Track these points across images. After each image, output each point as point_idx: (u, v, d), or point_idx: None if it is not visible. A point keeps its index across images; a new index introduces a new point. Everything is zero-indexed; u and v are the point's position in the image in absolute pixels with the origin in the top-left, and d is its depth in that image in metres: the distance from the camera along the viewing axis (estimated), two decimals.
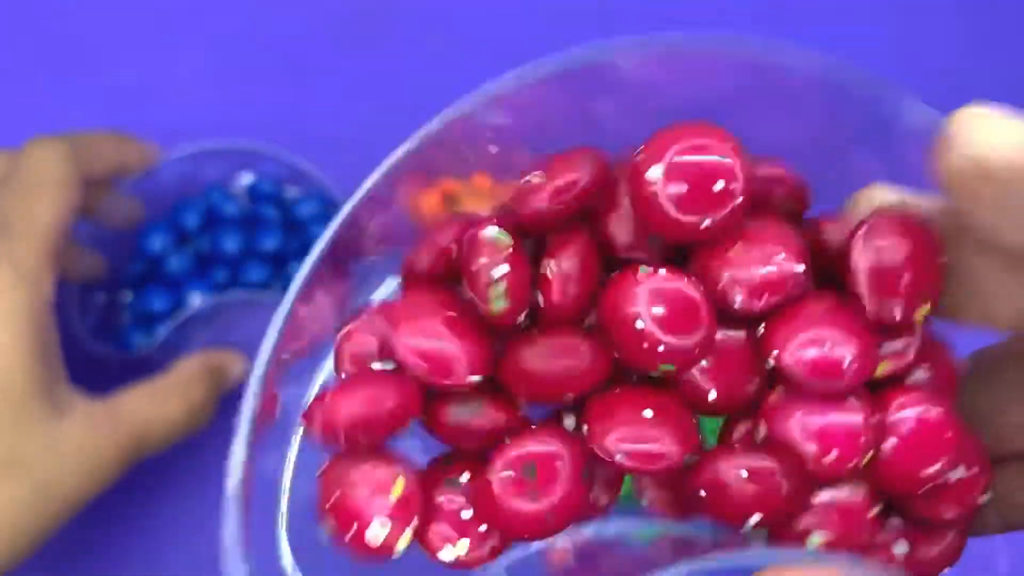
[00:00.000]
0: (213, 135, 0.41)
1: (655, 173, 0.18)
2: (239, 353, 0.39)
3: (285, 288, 0.39)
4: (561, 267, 0.19)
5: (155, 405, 0.35)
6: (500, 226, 0.19)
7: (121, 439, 0.33)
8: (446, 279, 0.20)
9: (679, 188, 0.17)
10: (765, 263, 0.18)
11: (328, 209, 0.41)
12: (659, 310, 0.18)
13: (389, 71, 0.46)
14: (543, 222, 0.19)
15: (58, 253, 0.33)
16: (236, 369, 0.38)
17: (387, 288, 0.23)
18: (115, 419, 0.33)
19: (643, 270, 0.18)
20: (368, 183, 0.21)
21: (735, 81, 0.21)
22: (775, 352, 0.18)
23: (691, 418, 0.19)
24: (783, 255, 0.18)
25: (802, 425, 0.18)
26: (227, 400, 0.38)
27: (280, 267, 0.41)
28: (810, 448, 0.18)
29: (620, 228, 0.19)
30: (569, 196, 0.19)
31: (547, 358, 0.19)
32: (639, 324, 0.18)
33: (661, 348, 0.18)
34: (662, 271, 0.18)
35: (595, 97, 0.23)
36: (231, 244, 0.40)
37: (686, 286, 0.18)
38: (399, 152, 0.21)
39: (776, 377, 0.19)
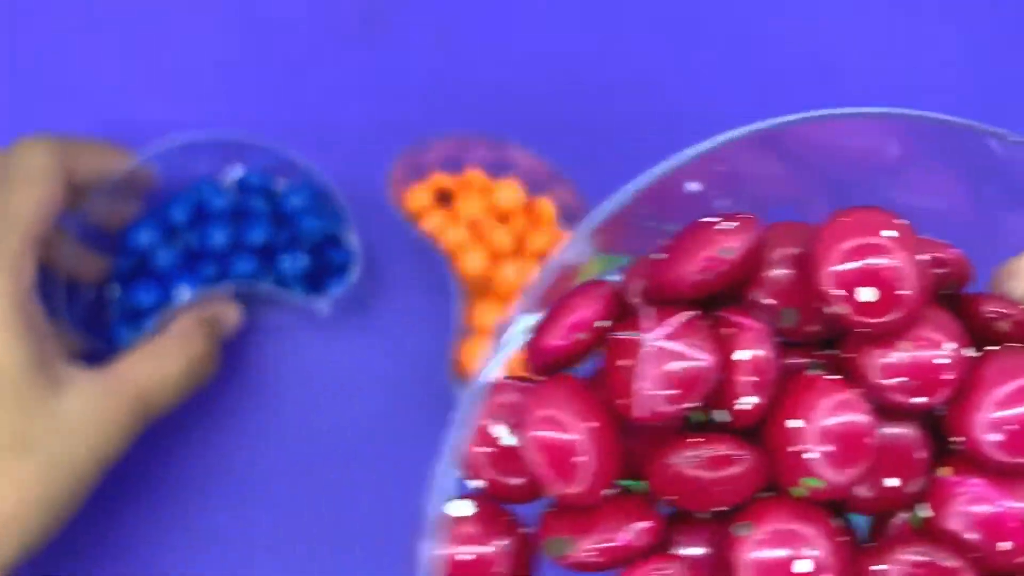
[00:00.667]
0: (203, 128, 0.41)
1: (836, 281, 0.17)
2: (231, 302, 0.39)
3: (276, 282, 0.40)
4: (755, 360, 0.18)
5: (156, 363, 0.35)
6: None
7: (126, 403, 0.33)
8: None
9: (867, 295, 0.17)
10: (935, 355, 0.18)
11: (318, 200, 0.41)
12: (829, 448, 0.17)
13: (383, 64, 0.46)
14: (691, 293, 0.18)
15: (39, 243, 0.33)
16: (231, 316, 0.39)
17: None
18: (117, 384, 0.33)
19: (813, 371, 0.18)
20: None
21: (892, 147, 0.21)
22: (963, 437, 0.18)
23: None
24: (954, 345, 0.18)
25: (975, 509, 0.18)
26: (227, 350, 0.38)
27: (268, 260, 0.40)
28: (978, 536, 0.18)
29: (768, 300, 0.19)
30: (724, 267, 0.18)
31: (709, 466, 0.18)
32: (806, 456, 0.17)
33: (823, 485, 0.17)
34: (835, 383, 0.18)
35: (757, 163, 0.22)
36: (220, 238, 0.39)
37: (861, 417, 0.17)
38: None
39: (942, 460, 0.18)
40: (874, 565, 0.17)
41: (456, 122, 0.43)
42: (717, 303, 0.19)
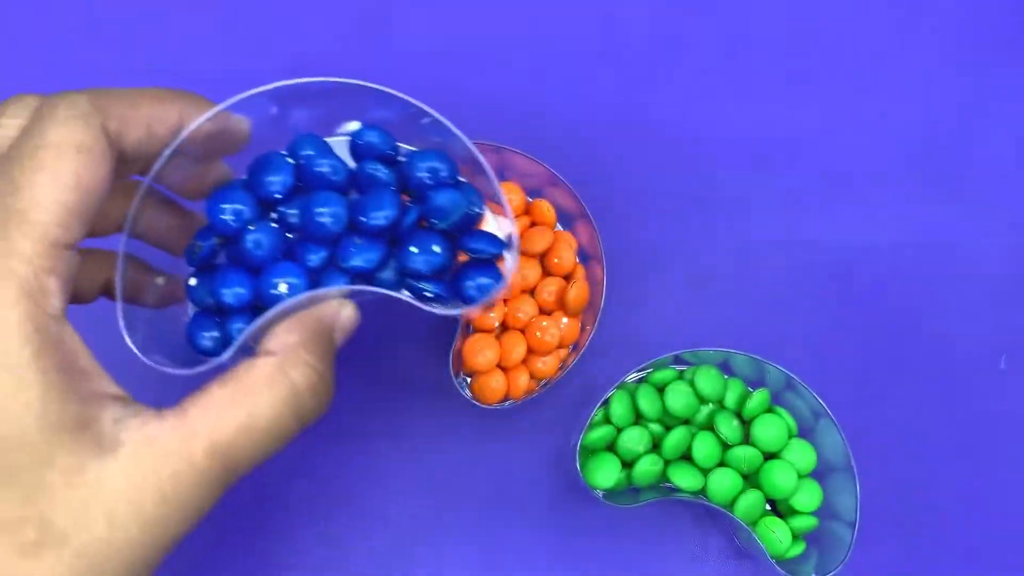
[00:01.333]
0: None
1: None
2: (346, 301, 0.29)
3: (401, 276, 0.30)
4: None
5: (244, 405, 0.25)
6: None
7: (200, 469, 0.24)
8: None
9: None
10: None
11: (453, 171, 0.31)
12: None
13: (382, 68, 0.46)
14: None
15: (74, 240, 0.24)
16: (347, 320, 0.28)
17: None
18: (187, 442, 0.24)
19: None
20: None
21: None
22: None
23: None
24: None
25: None
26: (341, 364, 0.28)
27: (392, 247, 0.30)
28: None
29: None
30: None
31: None
32: None
33: None
34: None
35: None
36: (331, 216, 0.29)
37: None
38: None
39: None
40: None
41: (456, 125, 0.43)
42: None
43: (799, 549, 0.39)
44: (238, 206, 0.29)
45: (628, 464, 0.40)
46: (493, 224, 0.32)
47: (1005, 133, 0.48)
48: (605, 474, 0.39)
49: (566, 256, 0.41)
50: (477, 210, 0.31)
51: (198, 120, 0.27)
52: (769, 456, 0.40)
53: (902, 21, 0.49)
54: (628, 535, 0.42)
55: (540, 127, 0.46)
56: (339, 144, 0.32)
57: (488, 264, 0.31)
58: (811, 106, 0.47)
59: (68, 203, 0.23)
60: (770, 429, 0.40)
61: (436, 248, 0.29)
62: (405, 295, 0.29)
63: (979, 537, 0.43)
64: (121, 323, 0.27)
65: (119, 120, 0.25)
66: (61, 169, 0.23)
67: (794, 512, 0.40)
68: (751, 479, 0.40)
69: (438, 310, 0.29)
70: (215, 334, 0.29)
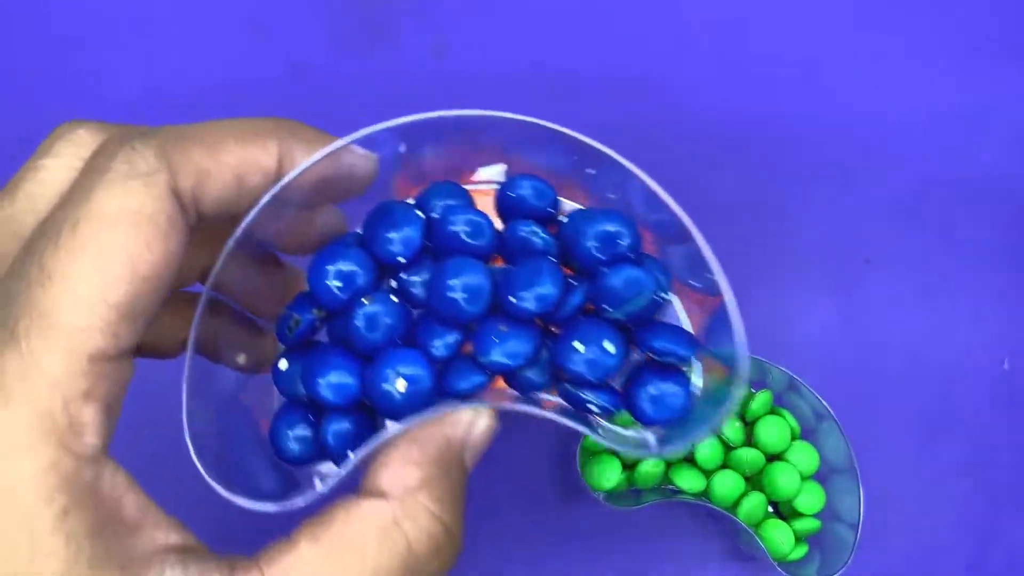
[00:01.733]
0: None
1: None
2: (482, 409, 0.22)
3: (569, 384, 0.22)
4: None
5: (342, 566, 0.19)
6: None
7: None
8: None
9: None
10: None
11: (635, 241, 0.23)
12: None
13: (382, 69, 0.46)
14: None
15: (123, 349, 0.18)
16: (482, 431, 0.22)
17: None
18: None
19: None
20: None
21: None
22: None
23: None
24: None
25: None
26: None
27: (543, 341, 0.22)
28: None
29: None
30: None
31: None
32: None
33: None
34: None
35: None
36: (468, 291, 0.21)
37: None
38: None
39: None
40: None
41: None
42: None
43: (802, 551, 0.39)
44: (349, 269, 0.22)
45: (630, 466, 0.39)
46: (681, 314, 0.24)
47: None
48: (606, 476, 0.39)
49: None
50: (664, 296, 0.22)
51: (304, 164, 0.21)
52: (772, 458, 0.40)
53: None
54: (630, 537, 0.42)
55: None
56: (482, 196, 0.25)
57: (673, 371, 0.22)
58: None
59: (117, 300, 0.17)
60: (773, 431, 0.39)
61: (609, 345, 0.21)
62: (567, 421, 0.22)
63: (981, 539, 0.43)
64: (187, 433, 0.21)
65: (196, 175, 0.19)
66: (109, 252, 0.17)
67: (797, 514, 0.40)
68: (753, 481, 0.40)
69: (604, 439, 0.22)
70: (306, 434, 0.23)
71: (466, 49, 0.47)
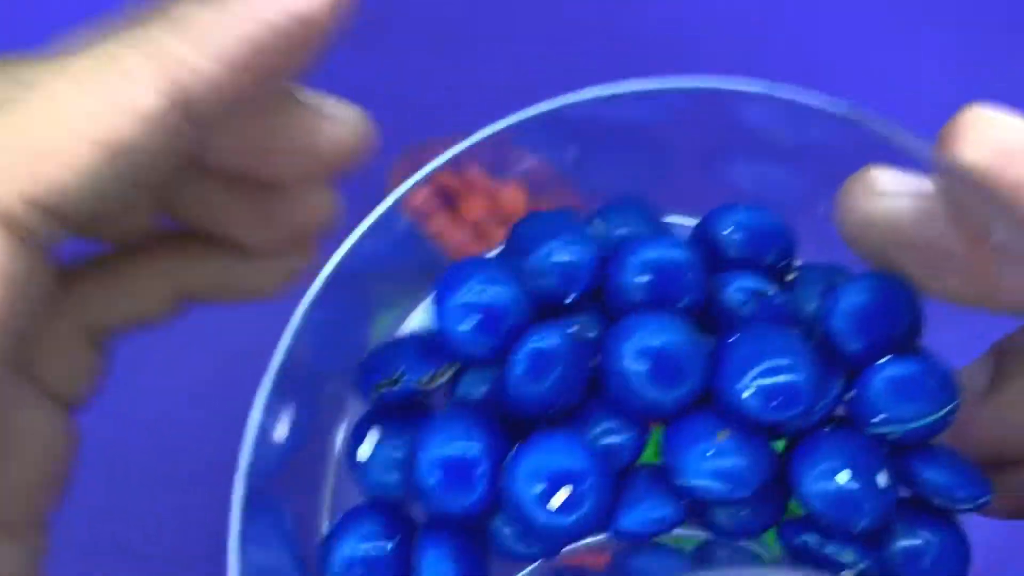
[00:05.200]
0: None
1: None
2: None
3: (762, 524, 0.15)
4: None
5: None
6: None
7: None
8: None
9: None
10: None
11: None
12: None
13: (380, 65, 0.46)
14: None
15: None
16: None
17: None
18: None
19: None
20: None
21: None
22: None
23: None
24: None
25: None
26: None
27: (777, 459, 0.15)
28: None
29: None
30: None
31: None
32: None
33: None
34: None
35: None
36: (659, 367, 0.14)
37: None
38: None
39: None
40: None
41: (456, 124, 0.43)
42: None
43: None
44: (499, 297, 0.14)
45: None
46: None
47: None
48: None
49: None
50: (951, 414, 0.15)
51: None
52: None
53: None
54: None
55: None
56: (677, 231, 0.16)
57: (942, 519, 0.16)
58: None
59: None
60: None
61: (882, 479, 0.14)
62: None
63: (985, 542, 0.43)
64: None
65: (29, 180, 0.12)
66: None
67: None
68: None
69: None
70: (378, 555, 0.15)
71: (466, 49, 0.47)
